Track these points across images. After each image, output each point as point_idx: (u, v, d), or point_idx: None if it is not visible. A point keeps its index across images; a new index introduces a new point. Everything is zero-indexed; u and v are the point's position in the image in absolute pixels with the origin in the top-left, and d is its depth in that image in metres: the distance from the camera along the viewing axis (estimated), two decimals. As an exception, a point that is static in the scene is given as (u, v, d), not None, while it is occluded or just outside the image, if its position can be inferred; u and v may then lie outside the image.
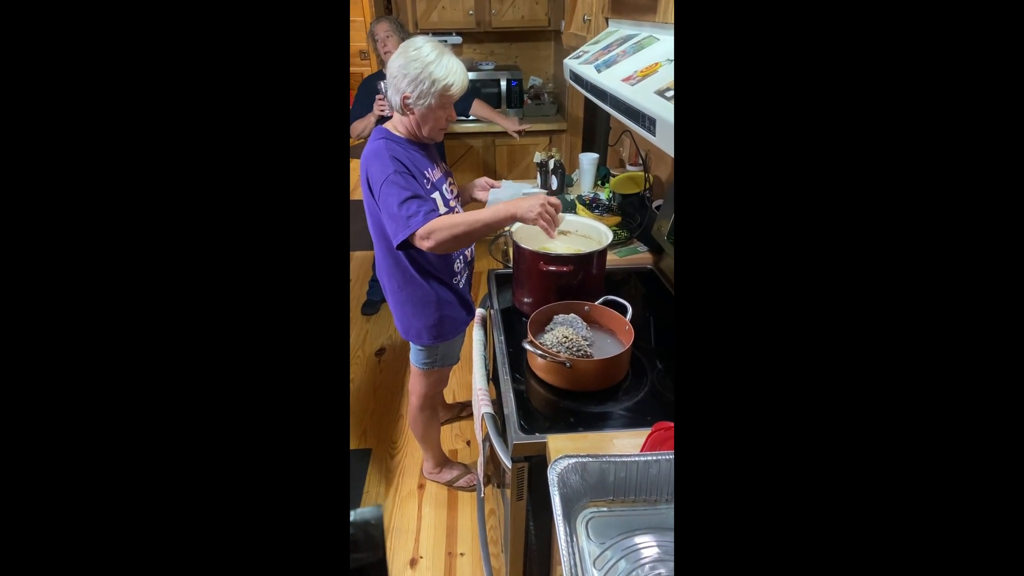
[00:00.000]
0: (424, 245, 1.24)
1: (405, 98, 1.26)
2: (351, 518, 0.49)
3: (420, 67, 1.23)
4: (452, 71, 1.26)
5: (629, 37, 1.33)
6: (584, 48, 1.59)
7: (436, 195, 1.36)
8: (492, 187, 1.53)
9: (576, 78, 1.46)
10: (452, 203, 1.42)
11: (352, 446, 2.01)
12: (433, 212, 1.25)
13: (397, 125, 1.36)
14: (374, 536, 0.49)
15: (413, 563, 1.61)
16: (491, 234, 1.32)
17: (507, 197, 1.48)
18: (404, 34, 2.26)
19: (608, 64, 1.26)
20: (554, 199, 1.27)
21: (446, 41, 2.45)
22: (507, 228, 1.45)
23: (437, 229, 1.22)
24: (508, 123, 2.68)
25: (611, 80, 1.14)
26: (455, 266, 1.45)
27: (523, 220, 1.27)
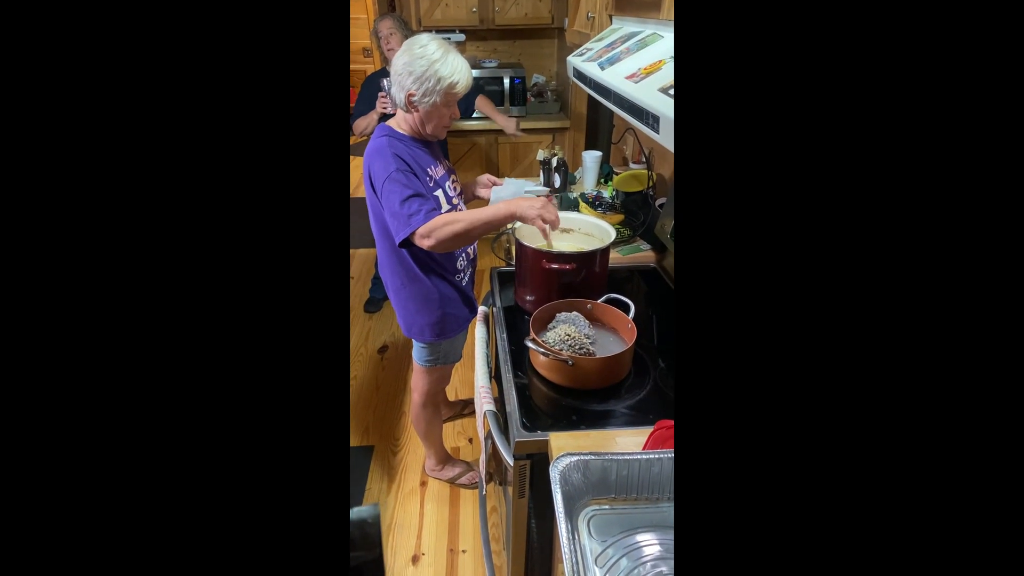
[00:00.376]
0: (425, 244, 1.24)
1: (410, 96, 1.26)
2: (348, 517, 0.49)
3: (426, 65, 1.23)
4: (457, 69, 1.26)
5: (633, 34, 1.33)
6: (588, 45, 1.58)
7: (439, 192, 1.36)
8: (494, 184, 1.53)
9: (579, 75, 1.46)
10: (455, 200, 1.42)
11: (354, 443, 2.01)
12: (434, 211, 1.26)
13: (400, 122, 1.36)
14: (371, 535, 0.49)
15: (415, 560, 1.62)
16: (492, 232, 1.32)
17: (509, 194, 1.48)
18: (407, 31, 2.26)
19: (612, 61, 1.25)
20: (552, 210, 1.27)
21: (449, 38, 2.45)
22: (509, 226, 1.45)
23: (438, 227, 1.22)
24: (507, 123, 2.66)
25: (614, 77, 1.14)
26: (458, 263, 1.45)
27: (522, 219, 1.27)
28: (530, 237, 1.38)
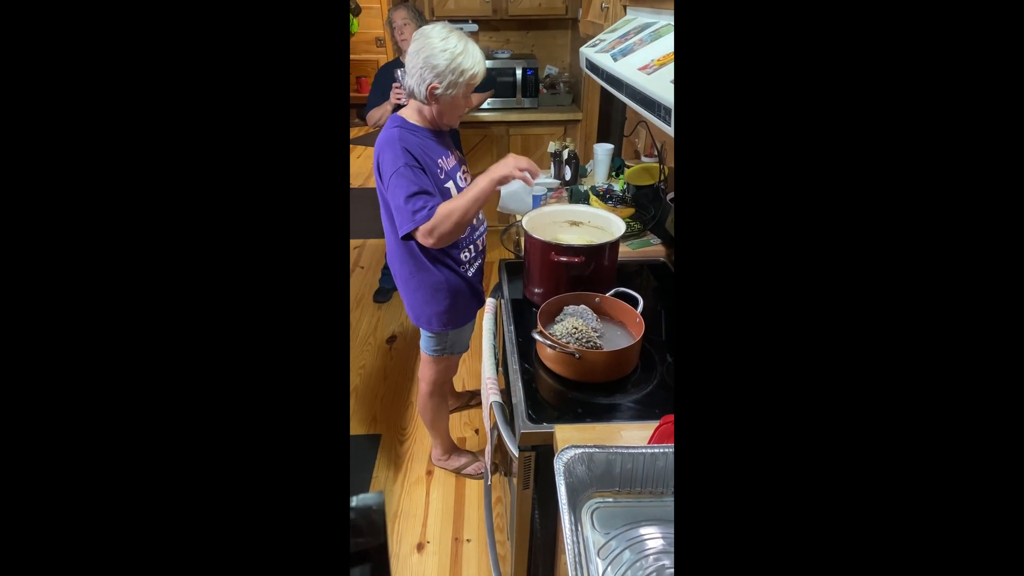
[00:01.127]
0: (428, 242, 1.27)
1: (433, 89, 1.27)
2: (354, 503, 0.50)
3: (449, 58, 1.24)
4: (477, 60, 1.28)
5: (647, 25, 1.31)
6: (601, 36, 1.57)
7: (450, 184, 1.37)
8: None
9: (592, 67, 1.45)
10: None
11: (362, 432, 2.03)
12: (436, 208, 1.27)
13: (412, 113, 1.36)
14: (376, 522, 0.50)
15: (420, 547, 1.63)
16: (485, 204, 1.34)
17: (518, 186, 1.48)
18: (421, 22, 2.25)
19: (625, 52, 1.24)
20: (524, 159, 1.30)
21: (462, 28, 2.44)
22: (519, 217, 1.47)
23: (438, 224, 1.25)
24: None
25: (627, 69, 1.13)
26: (462, 255, 1.45)
27: (504, 180, 1.30)
28: (539, 229, 1.38)
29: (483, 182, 1.29)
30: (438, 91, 1.27)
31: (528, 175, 1.31)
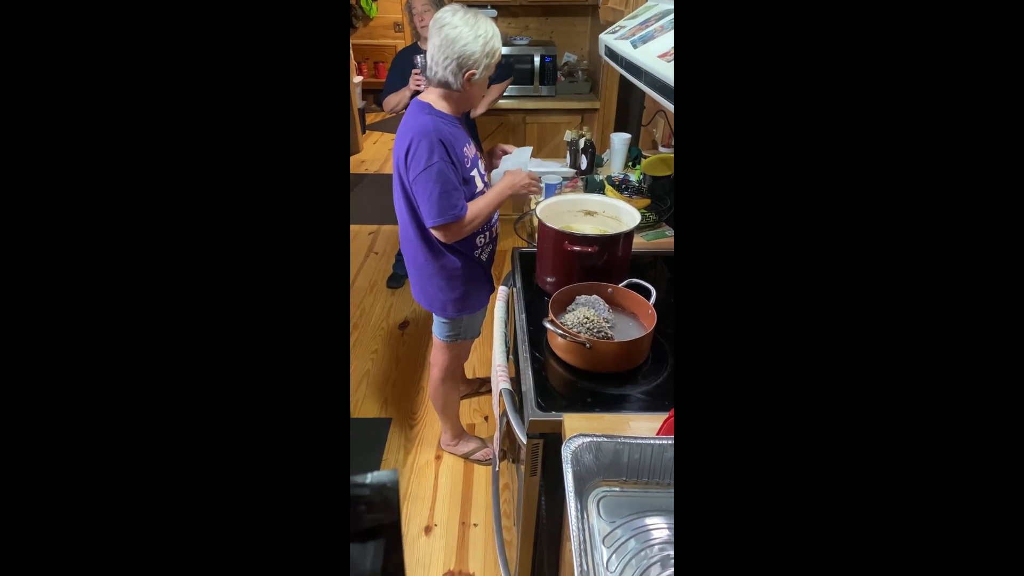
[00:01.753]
0: (449, 237, 1.35)
1: (470, 75, 1.29)
2: (368, 480, 0.50)
3: (483, 43, 1.27)
4: (500, 37, 1.33)
5: (668, 12, 1.29)
6: (621, 23, 1.54)
7: (474, 172, 1.39)
8: (505, 153, 1.63)
9: (611, 54, 1.43)
10: (486, 179, 1.48)
11: (373, 415, 2.06)
12: (466, 207, 1.35)
13: (438, 100, 1.35)
14: (390, 499, 0.50)
15: (428, 530, 1.66)
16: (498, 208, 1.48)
17: (513, 163, 1.60)
18: (441, 7, 2.23)
19: (645, 40, 1.22)
20: (536, 184, 1.48)
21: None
22: (532, 207, 1.50)
23: (467, 223, 1.35)
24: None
25: (647, 56, 1.11)
26: (478, 240, 1.46)
27: (517, 194, 1.45)
28: (553, 218, 1.38)
29: (506, 192, 1.41)
30: (476, 76, 1.30)
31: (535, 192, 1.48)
